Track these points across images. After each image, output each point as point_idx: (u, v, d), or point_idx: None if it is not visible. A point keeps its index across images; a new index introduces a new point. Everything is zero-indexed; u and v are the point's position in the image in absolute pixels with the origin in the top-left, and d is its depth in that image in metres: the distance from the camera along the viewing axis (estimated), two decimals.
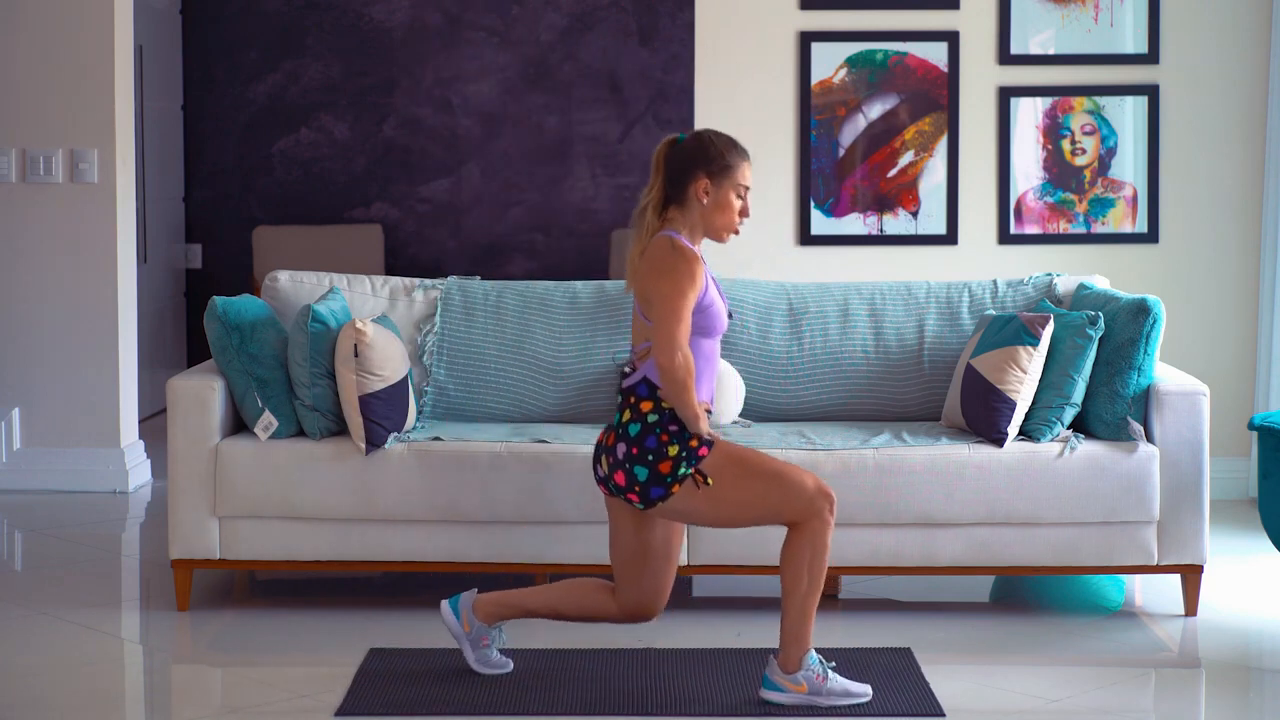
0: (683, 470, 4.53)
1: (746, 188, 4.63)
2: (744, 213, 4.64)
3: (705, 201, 4.59)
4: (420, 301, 6.00)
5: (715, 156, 4.59)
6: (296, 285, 5.97)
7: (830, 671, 4.59)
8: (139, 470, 7.42)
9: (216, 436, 5.47)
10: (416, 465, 5.39)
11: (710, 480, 4.53)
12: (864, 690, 4.61)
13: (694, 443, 4.54)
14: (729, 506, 4.58)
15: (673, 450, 4.53)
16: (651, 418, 4.55)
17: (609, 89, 9.69)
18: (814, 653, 4.59)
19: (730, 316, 4.71)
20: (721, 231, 4.62)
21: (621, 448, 4.56)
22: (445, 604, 4.82)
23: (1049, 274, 6.05)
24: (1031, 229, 7.07)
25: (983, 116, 7.06)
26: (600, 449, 4.65)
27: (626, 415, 4.58)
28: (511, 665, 4.85)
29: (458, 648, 4.89)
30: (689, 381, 4.48)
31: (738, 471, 4.56)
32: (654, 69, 9.67)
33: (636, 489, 4.56)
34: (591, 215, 9.72)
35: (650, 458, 4.53)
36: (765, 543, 5.35)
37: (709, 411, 4.62)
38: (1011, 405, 5.41)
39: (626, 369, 4.64)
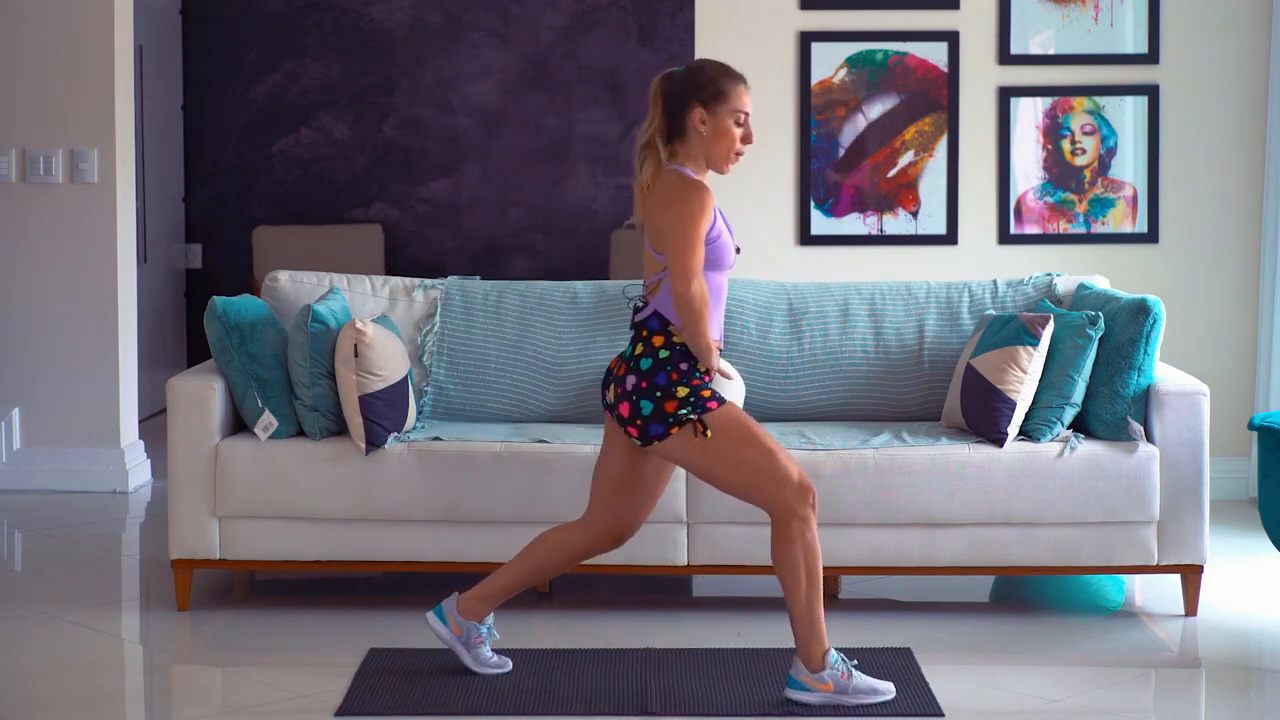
0: (685, 413, 4.53)
1: (745, 113, 4.60)
2: (746, 139, 4.61)
3: (704, 130, 4.57)
4: (420, 301, 6.00)
5: (707, 84, 4.57)
6: (296, 285, 5.97)
7: (854, 669, 4.59)
8: (139, 470, 7.42)
9: (216, 436, 5.47)
10: (416, 465, 5.39)
11: (710, 433, 4.53)
12: (888, 687, 4.61)
13: (706, 394, 4.54)
14: (718, 466, 4.57)
15: (681, 391, 4.53)
16: (663, 353, 4.55)
17: (609, 89, 9.69)
18: (835, 651, 4.59)
19: (738, 251, 4.69)
20: (723, 160, 4.60)
21: (631, 380, 4.56)
22: (430, 614, 4.83)
23: (1049, 274, 6.05)
24: (1031, 229, 7.07)
25: (983, 116, 7.06)
26: (610, 376, 4.64)
27: (639, 349, 4.57)
28: (510, 664, 4.85)
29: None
30: (704, 311, 4.49)
31: (738, 435, 4.55)
32: (654, 69, 9.66)
33: (639, 423, 4.56)
34: (591, 215, 9.71)
35: (658, 394, 4.53)
36: (765, 543, 5.35)
37: (720, 349, 4.62)
38: (1011, 405, 5.41)
39: (638, 303, 4.64)
